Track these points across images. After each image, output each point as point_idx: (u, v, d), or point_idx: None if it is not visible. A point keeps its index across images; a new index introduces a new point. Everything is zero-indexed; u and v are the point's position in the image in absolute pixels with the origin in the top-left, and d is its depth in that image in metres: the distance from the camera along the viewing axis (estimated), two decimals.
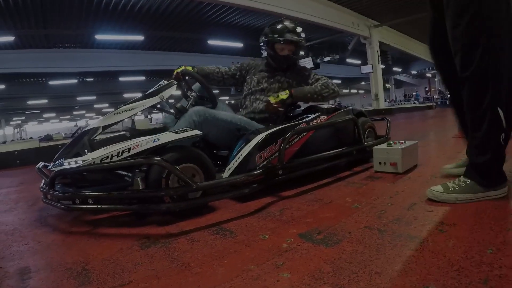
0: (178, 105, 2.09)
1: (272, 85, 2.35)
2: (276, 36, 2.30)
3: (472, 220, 1.24)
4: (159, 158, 1.46)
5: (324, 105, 2.55)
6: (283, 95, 2.17)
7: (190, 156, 1.66)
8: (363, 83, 31.13)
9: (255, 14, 11.25)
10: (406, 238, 1.13)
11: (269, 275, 0.96)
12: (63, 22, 10.68)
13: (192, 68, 2.30)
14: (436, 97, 26.60)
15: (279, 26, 2.33)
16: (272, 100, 2.15)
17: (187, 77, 2.23)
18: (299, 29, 2.35)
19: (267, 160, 1.90)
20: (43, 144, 6.06)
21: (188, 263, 1.10)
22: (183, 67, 2.23)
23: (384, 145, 2.25)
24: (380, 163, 2.21)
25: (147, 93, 2.00)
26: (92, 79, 18.84)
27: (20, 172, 4.48)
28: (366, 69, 14.74)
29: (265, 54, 2.42)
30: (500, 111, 1.33)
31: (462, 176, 1.49)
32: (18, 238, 1.54)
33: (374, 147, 2.27)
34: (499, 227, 1.14)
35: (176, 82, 2.07)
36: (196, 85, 2.32)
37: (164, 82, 2.04)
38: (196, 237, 1.34)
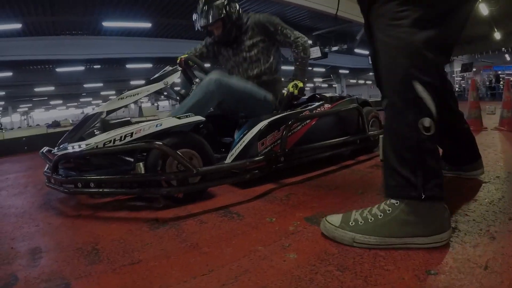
0: (183, 91, 2.10)
1: (250, 52, 2.24)
2: (199, 26, 2.22)
3: (473, 204, 1.24)
4: (160, 143, 1.47)
5: (328, 94, 2.54)
6: (300, 83, 2.14)
7: (189, 141, 1.66)
8: (370, 73, 30.75)
9: (264, 2, 11.12)
10: None
11: (276, 255, 0.98)
12: (70, 9, 10.63)
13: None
14: None
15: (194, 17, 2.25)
16: (295, 92, 2.13)
17: (190, 63, 2.23)
18: (207, 6, 2.16)
19: (269, 147, 1.91)
20: (51, 130, 6.12)
21: (197, 243, 1.12)
22: (186, 54, 2.24)
23: None
24: None
25: (151, 79, 2.02)
26: (99, 66, 18.77)
27: (28, 158, 4.54)
28: None
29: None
30: (420, 87, 0.95)
31: (384, 202, 1.04)
32: (28, 220, 1.58)
33: (380, 136, 2.27)
34: (503, 214, 1.15)
35: (180, 68, 2.08)
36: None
37: (168, 68, 2.06)
38: (204, 219, 1.36)
